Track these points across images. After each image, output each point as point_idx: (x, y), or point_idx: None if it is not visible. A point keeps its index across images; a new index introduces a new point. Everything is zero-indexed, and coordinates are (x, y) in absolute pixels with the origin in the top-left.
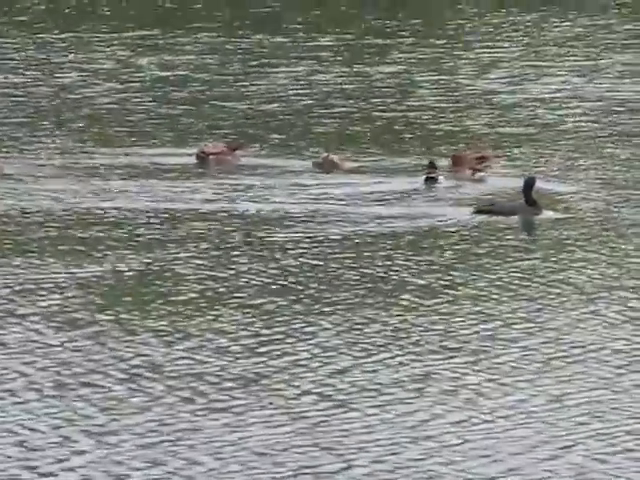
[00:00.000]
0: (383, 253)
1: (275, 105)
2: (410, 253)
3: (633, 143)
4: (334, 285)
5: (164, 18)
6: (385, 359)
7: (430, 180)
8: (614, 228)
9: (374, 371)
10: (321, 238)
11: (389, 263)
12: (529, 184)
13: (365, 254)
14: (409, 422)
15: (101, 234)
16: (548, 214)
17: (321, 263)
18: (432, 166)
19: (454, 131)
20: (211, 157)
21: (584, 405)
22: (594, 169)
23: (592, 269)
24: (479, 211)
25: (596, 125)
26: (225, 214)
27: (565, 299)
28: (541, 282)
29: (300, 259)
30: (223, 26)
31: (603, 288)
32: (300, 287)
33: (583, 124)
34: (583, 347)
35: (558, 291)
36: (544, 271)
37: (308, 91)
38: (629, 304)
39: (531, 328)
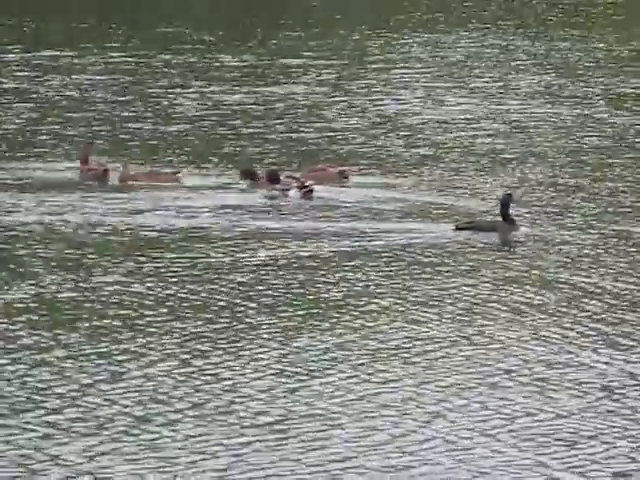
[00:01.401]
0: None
1: (179, 125)
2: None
3: (540, 163)
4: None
5: (72, 37)
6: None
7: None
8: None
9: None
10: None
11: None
12: (506, 202)
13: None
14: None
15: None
16: (524, 230)
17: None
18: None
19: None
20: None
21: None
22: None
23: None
24: (460, 228)
25: (502, 146)
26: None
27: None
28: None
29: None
30: (131, 46)
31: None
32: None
33: (490, 145)
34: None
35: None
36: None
37: (209, 112)
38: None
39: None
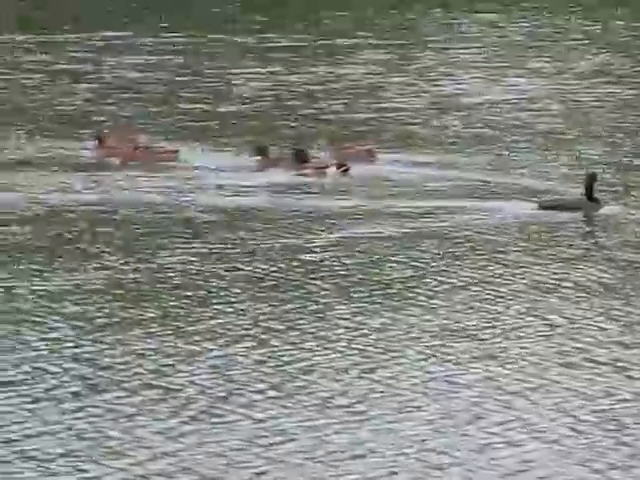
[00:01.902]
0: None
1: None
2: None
3: (604, 142)
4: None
5: (128, 17)
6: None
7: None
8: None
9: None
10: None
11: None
12: (591, 180)
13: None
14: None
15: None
16: (608, 209)
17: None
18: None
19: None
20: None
21: None
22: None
23: None
24: (544, 207)
25: (560, 125)
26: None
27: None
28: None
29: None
30: (185, 26)
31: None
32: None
33: (548, 124)
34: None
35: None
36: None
37: (265, 92)
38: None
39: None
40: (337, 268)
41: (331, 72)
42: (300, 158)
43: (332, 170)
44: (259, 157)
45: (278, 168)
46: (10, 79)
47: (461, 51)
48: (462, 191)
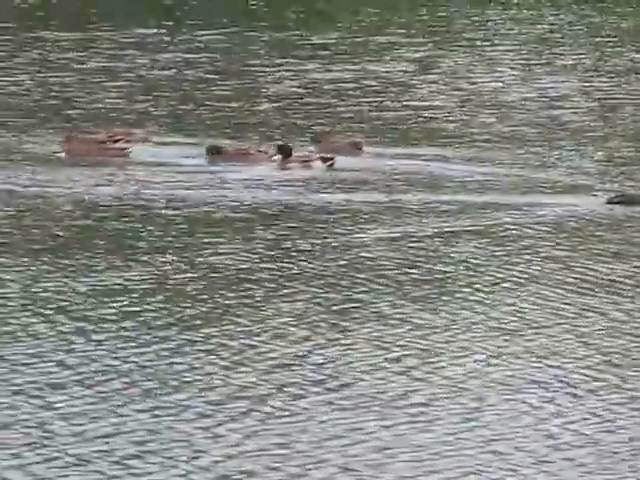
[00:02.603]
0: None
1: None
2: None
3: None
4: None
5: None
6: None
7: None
8: None
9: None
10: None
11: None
12: None
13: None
14: None
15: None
16: None
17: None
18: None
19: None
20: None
21: None
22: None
23: None
24: (612, 202)
25: (594, 122)
26: None
27: None
28: None
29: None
30: (219, 23)
31: None
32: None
33: (582, 122)
34: None
35: None
36: None
37: (302, 90)
38: None
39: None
40: (388, 265)
41: (365, 69)
42: (284, 152)
43: (317, 163)
44: (214, 156)
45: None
46: (44, 77)
47: (495, 48)
48: (516, 187)
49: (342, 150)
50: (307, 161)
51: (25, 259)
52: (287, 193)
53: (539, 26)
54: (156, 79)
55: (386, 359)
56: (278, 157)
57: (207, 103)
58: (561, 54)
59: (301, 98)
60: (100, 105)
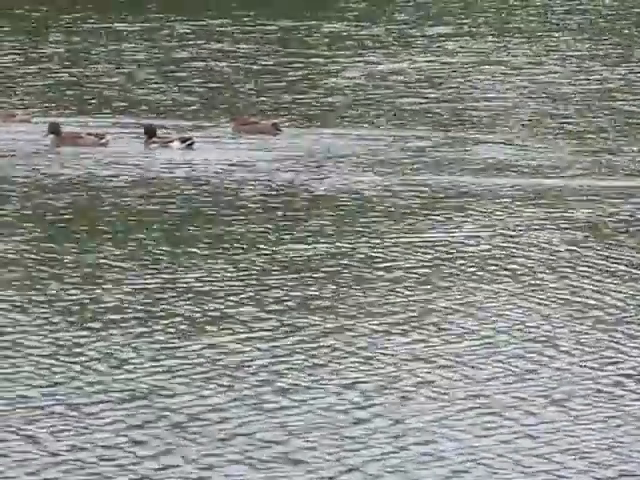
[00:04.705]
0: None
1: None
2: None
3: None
4: None
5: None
6: None
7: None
8: None
9: None
10: None
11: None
12: None
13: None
14: None
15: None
16: None
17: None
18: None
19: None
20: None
21: None
22: None
23: None
24: None
25: None
26: None
27: None
28: None
29: None
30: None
31: None
32: None
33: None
34: None
35: None
36: None
37: (364, 82)
38: None
39: None
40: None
41: (429, 60)
42: (148, 133)
43: (176, 144)
44: (53, 136)
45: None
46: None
47: (548, 40)
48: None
49: (261, 131)
50: (168, 142)
51: None
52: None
53: (595, 16)
54: (219, 69)
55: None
56: (51, 136)
57: (277, 94)
58: (617, 45)
59: (360, 89)
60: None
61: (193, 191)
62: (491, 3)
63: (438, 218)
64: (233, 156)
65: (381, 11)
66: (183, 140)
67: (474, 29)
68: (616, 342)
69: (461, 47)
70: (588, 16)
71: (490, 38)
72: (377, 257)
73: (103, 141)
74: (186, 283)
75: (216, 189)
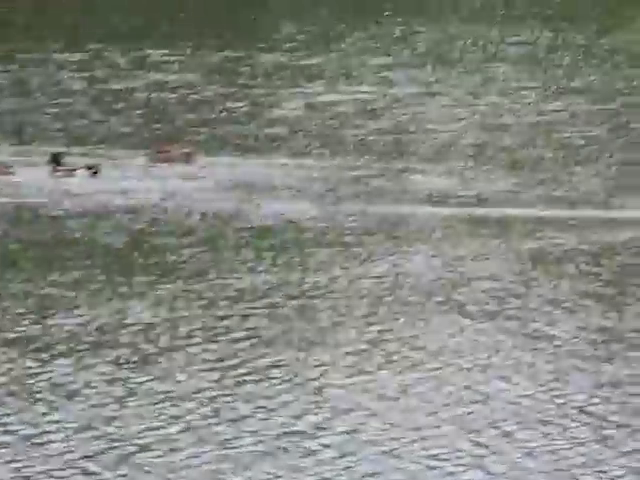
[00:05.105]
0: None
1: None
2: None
3: None
4: None
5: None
6: None
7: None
8: None
9: None
10: None
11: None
12: None
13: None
14: None
15: None
16: None
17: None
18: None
19: None
20: None
21: None
22: None
23: None
24: None
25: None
26: None
27: None
28: None
29: None
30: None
31: None
32: None
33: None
34: None
35: None
36: None
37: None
38: None
39: None
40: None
41: (369, 91)
42: (55, 161)
43: (81, 172)
44: None
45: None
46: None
47: (494, 70)
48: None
49: (175, 159)
50: (73, 170)
51: None
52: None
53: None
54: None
55: None
56: None
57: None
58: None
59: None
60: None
61: (128, 220)
62: (431, 34)
63: (381, 248)
64: (156, 184)
65: (321, 41)
66: (89, 167)
67: (415, 60)
68: (564, 373)
69: (401, 78)
70: (528, 48)
71: (430, 69)
72: (322, 288)
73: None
74: (134, 313)
75: (152, 218)
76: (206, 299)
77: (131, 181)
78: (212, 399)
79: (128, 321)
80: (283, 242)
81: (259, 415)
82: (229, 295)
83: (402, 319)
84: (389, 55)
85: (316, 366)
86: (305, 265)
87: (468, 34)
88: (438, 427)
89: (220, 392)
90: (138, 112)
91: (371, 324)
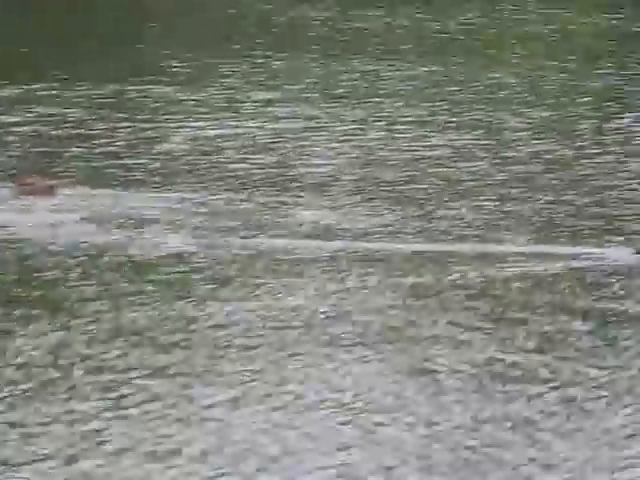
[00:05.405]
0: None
1: None
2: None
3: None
4: None
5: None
6: None
7: None
8: None
9: None
10: None
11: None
12: None
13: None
14: None
15: None
16: None
17: None
18: None
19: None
20: None
21: None
22: None
23: None
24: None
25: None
26: None
27: None
28: None
29: None
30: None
31: None
32: None
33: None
34: None
35: None
36: None
37: None
38: None
39: None
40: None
41: (256, 126)
42: None
43: None
44: None
45: None
46: None
47: (381, 105)
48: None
49: (38, 192)
50: None
51: None
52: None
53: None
54: None
55: None
56: None
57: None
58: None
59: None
60: None
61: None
62: (316, 69)
63: (263, 282)
64: (19, 217)
65: (207, 76)
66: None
67: (301, 94)
68: (447, 410)
69: (288, 112)
70: (412, 83)
71: (317, 103)
72: (202, 322)
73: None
74: (19, 351)
75: (25, 251)
76: (85, 333)
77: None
78: (96, 432)
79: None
80: (163, 276)
81: (140, 449)
82: (110, 328)
83: (283, 353)
84: (274, 90)
85: (195, 399)
86: (186, 299)
87: (353, 69)
88: (319, 462)
89: (102, 425)
90: (15, 145)
91: (251, 358)
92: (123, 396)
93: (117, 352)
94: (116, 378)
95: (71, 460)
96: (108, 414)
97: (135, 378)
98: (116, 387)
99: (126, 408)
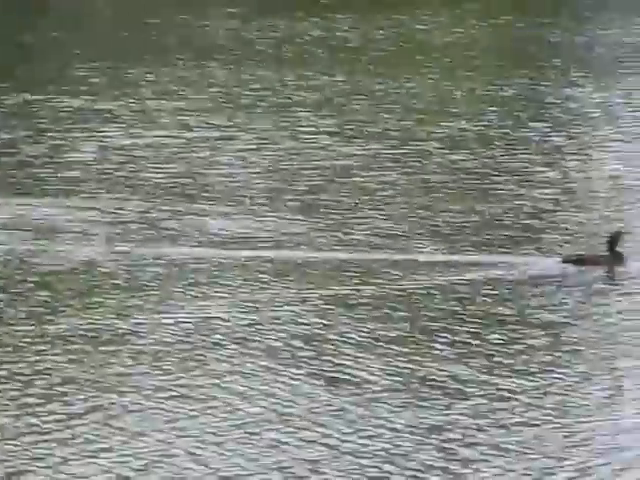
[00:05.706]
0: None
1: None
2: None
3: None
4: None
5: None
6: None
7: None
8: None
9: None
10: None
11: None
12: (615, 237)
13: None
14: None
15: None
16: (634, 266)
17: None
18: None
19: None
20: None
21: None
22: None
23: None
24: (567, 261)
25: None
26: None
27: None
28: None
29: None
30: None
31: None
32: None
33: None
34: None
35: None
36: None
37: None
38: None
39: None
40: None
41: (166, 135)
42: None
43: None
44: None
45: None
46: None
47: (289, 115)
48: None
49: None
50: None
51: None
52: None
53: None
54: None
55: None
56: None
57: None
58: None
59: None
60: None
61: None
62: (227, 79)
63: (177, 291)
64: None
65: (117, 85)
66: None
67: (210, 104)
68: (376, 417)
69: (198, 122)
70: (323, 93)
71: (227, 113)
72: (120, 333)
73: None
74: None
75: None
76: (2, 345)
77: None
78: (32, 443)
79: None
80: (75, 286)
81: (75, 462)
82: (26, 341)
83: (193, 363)
84: (185, 99)
85: (135, 411)
86: (102, 309)
87: (264, 79)
88: (258, 473)
89: (39, 437)
90: None
91: (161, 368)
92: (37, 405)
93: (29, 361)
94: (22, 387)
95: None
96: (67, 435)
97: (47, 388)
98: (24, 397)
99: (58, 421)
